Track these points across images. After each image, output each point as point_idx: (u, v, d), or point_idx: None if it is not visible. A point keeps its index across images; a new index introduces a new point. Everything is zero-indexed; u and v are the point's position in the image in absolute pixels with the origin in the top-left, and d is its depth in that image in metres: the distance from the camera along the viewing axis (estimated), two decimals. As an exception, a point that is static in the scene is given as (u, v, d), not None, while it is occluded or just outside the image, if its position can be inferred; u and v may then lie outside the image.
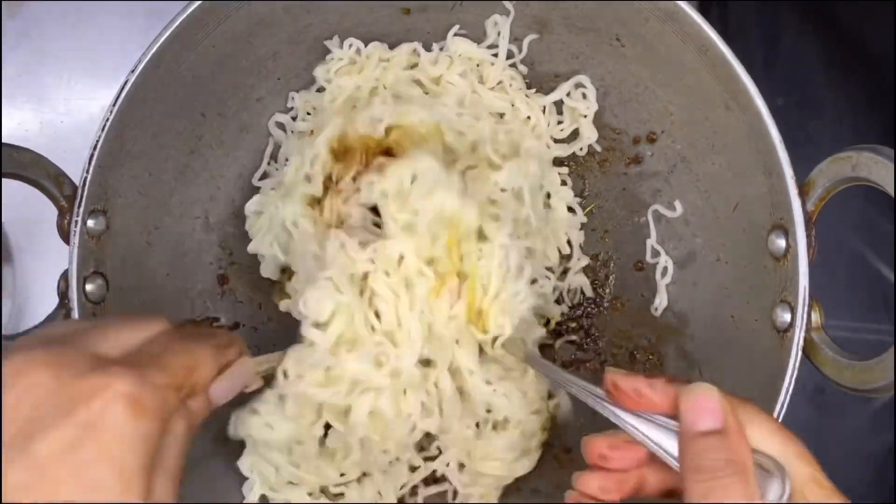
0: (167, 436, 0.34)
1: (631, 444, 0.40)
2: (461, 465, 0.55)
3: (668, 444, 0.37)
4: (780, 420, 0.46)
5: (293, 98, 0.59)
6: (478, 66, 0.59)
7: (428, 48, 0.59)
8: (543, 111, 0.59)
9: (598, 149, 0.60)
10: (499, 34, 0.58)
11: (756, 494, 0.34)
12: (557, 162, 0.60)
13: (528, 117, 0.59)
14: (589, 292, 0.60)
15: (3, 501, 0.30)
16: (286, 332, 0.56)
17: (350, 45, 0.58)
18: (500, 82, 0.59)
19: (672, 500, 0.40)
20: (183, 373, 0.37)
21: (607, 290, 0.60)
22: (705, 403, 0.36)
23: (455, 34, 0.58)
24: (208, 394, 0.39)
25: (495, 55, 0.58)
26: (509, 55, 0.59)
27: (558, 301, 0.59)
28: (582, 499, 0.41)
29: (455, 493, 0.57)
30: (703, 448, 0.35)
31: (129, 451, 0.32)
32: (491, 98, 0.58)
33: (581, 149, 0.60)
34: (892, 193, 0.43)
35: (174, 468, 0.35)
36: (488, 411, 0.52)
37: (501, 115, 0.58)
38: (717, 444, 0.35)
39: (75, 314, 0.48)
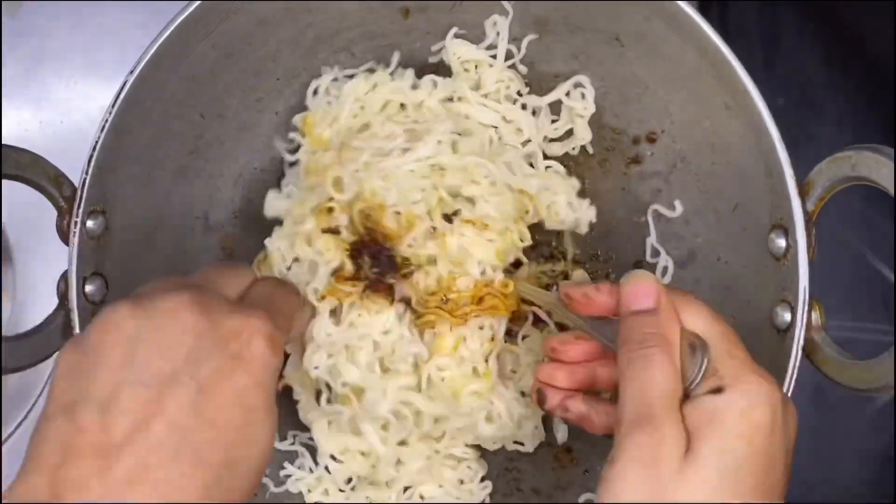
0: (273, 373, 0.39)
1: (578, 341, 0.47)
2: None
3: (609, 333, 0.43)
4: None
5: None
6: (476, 67, 0.59)
7: (427, 48, 0.59)
8: (535, 113, 0.59)
9: (591, 150, 0.60)
10: (497, 34, 0.58)
11: (675, 366, 0.38)
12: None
13: (520, 129, 0.58)
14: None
15: (177, 418, 0.34)
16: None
17: (327, 93, 0.58)
18: (497, 83, 0.59)
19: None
20: (290, 317, 0.45)
21: (607, 290, 0.60)
22: (642, 287, 0.41)
23: (454, 35, 0.58)
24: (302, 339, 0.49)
25: (494, 56, 0.58)
26: (508, 55, 0.59)
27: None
28: (541, 385, 0.48)
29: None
30: (635, 323, 0.40)
31: (270, 380, 0.38)
32: (480, 112, 0.57)
33: (573, 148, 0.59)
34: (893, 193, 0.43)
35: (272, 391, 0.39)
36: None
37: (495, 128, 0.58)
38: (647, 320, 0.40)
39: (75, 315, 0.48)
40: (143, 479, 0.33)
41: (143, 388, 0.35)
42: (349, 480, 0.57)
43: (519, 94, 0.59)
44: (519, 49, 0.58)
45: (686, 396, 0.38)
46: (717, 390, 0.38)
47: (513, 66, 0.59)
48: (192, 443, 0.34)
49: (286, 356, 0.51)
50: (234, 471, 0.36)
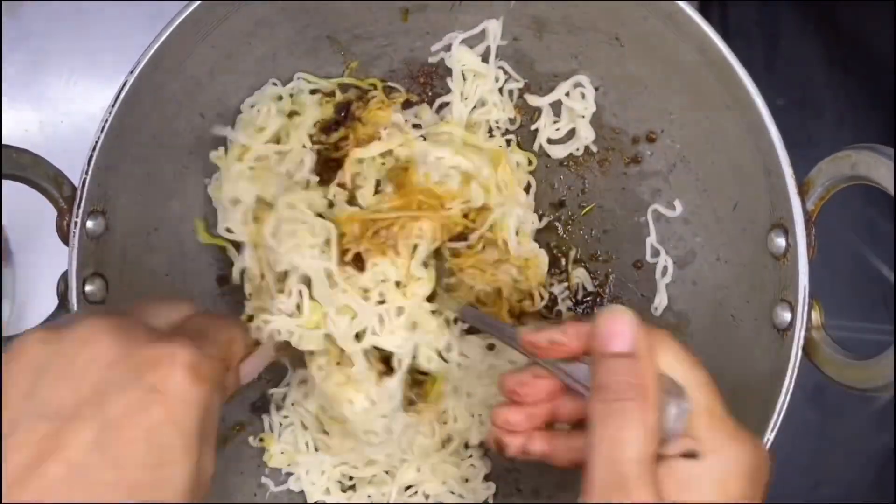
0: (209, 415, 0.36)
1: (539, 379, 0.43)
2: None
3: (579, 374, 0.40)
4: (779, 420, 0.46)
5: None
6: (474, 75, 0.59)
7: (427, 48, 0.59)
8: (536, 115, 0.60)
9: (595, 149, 0.60)
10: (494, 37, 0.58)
11: (653, 420, 0.35)
12: (556, 163, 0.60)
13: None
14: (590, 286, 0.60)
15: (76, 457, 0.32)
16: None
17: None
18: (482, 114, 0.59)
19: (581, 429, 0.41)
20: (225, 347, 0.40)
21: (607, 290, 0.60)
22: (617, 326, 0.37)
23: (458, 38, 0.58)
24: (238, 371, 0.43)
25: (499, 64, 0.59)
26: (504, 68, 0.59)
27: (556, 302, 0.59)
28: (499, 432, 0.44)
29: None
30: (610, 368, 0.37)
31: (191, 416, 0.34)
32: (462, 162, 0.55)
33: (577, 149, 0.60)
34: (892, 192, 0.43)
35: (212, 437, 0.36)
36: None
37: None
38: (624, 367, 0.36)
39: (75, 315, 0.48)
40: None
41: (43, 423, 0.32)
42: (350, 478, 0.57)
43: (510, 121, 0.60)
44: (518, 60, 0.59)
45: (658, 456, 0.36)
46: (692, 454, 0.36)
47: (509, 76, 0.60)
48: (91, 484, 0.31)
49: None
50: None
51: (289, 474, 0.58)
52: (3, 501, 0.31)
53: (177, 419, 0.33)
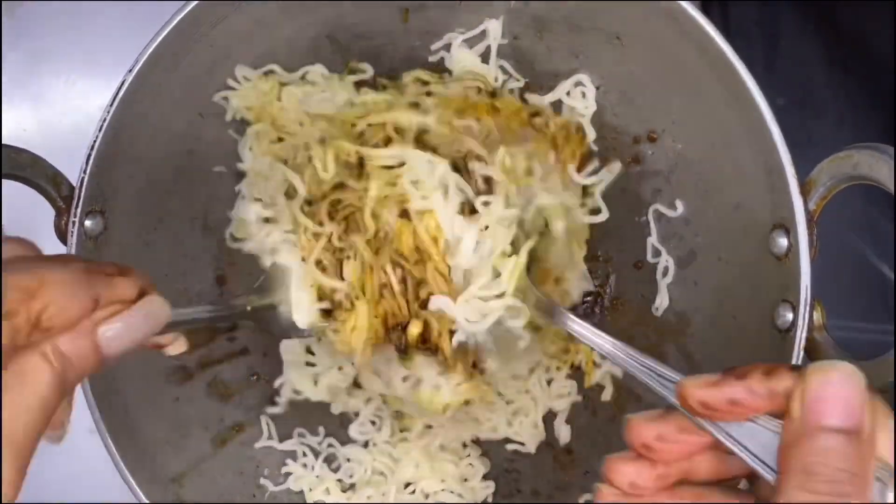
0: (8, 380, 0.26)
1: (686, 434, 0.32)
2: None
3: (752, 441, 0.29)
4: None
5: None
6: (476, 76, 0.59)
7: (427, 48, 0.59)
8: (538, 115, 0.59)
9: (595, 148, 0.60)
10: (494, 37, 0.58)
11: None
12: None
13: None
14: (591, 286, 0.59)
15: None
16: (286, 334, 0.56)
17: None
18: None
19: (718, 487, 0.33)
20: (18, 296, 0.28)
21: (607, 290, 0.60)
22: (840, 391, 0.28)
23: (458, 39, 0.58)
24: (95, 337, 0.30)
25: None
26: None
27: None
28: (612, 498, 0.33)
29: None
30: (823, 448, 0.27)
31: None
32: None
33: (579, 149, 0.60)
34: (894, 192, 0.42)
35: (18, 419, 0.26)
36: None
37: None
38: (844, 449, 0.27)
39: (73, 315, 0.48)
40: None
41: None
42: (351, 475, 0.57)
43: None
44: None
45: None
46: None
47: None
48: None
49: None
50: None
51: (288, 474, 0.58)
52: None
53: None
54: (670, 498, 0.33)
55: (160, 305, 0.34)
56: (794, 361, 0.46)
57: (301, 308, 0.54)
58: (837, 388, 0.28)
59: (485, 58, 0.59)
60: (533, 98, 0.59)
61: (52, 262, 0.30)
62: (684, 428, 0.32)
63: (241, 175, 0.59)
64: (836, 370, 0.28)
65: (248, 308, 0.51)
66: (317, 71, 0.58)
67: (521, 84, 0.60)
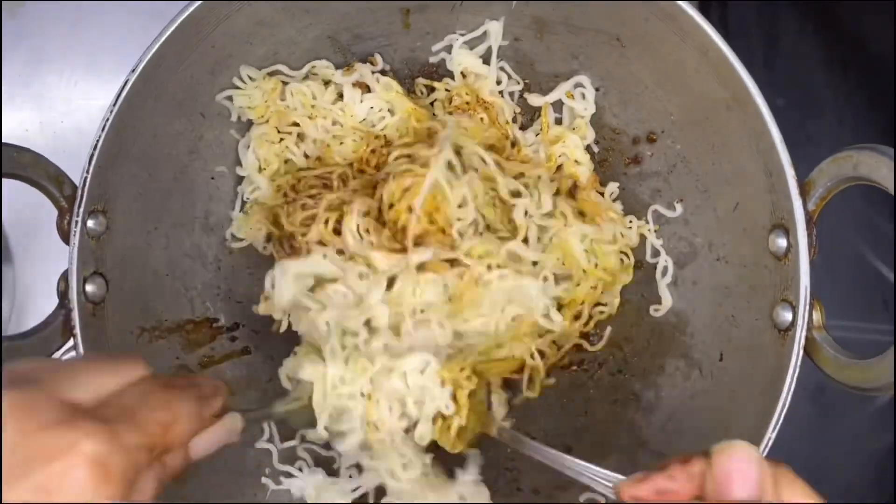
0: (133, 495, 0.31)
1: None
2: None
3: None
4: (780, 420, 0.46)
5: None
6: (475, 76, 0.59)
7: (428, 48, 0.59)
8: (536, 115, 0.60)
9: (595, 149, 0.60)
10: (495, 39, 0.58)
11: None
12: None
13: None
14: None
15: None
16: (286, 334, 0.56)
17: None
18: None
19: None
20: (159, 430, 0.33)
21: (607, 290, 0.60)
22: (741, 466, 0.31)
23: (458, 41, 0.58)
24: (187, 449, 0.36)
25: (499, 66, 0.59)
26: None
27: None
28: None
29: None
30: None
31: None
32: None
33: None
34: (893, 193, 0.43)
35: None
36: None
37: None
38: None
39: (75, 314, 0.48)
40: None
41: None
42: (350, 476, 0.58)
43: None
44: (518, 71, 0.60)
45: None
46: None
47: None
48: None
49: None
50: None
51: (289, 475, 0.58)
52: None
53: None
54: None
55: (237, 421, 0.40)
56: (793, 360, 0.46)
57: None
58: (734, 463, 0.31)
59: (485, 59, 0.59)
60: (533, 99, 0.60)
61: (178, 394, 0.36)
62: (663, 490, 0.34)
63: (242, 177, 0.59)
64: (731, 449, 0.32)
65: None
66: (322, 66, 0.58)
67: (521, 86, 0.60)
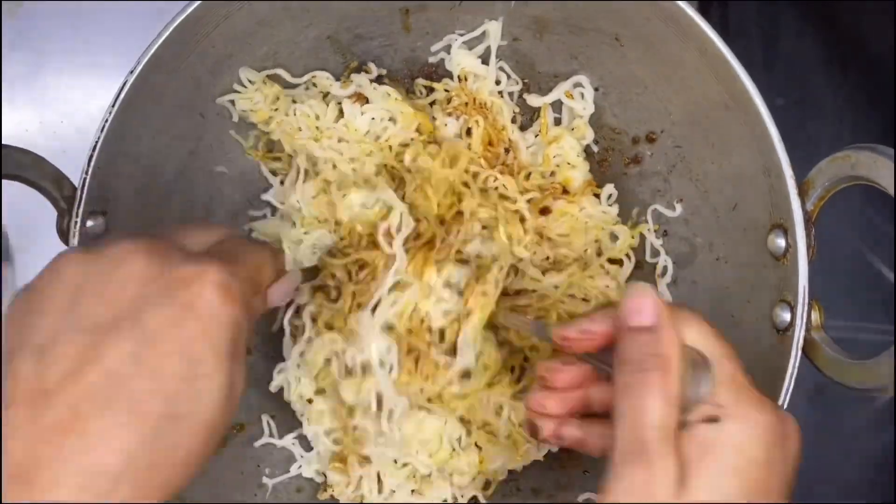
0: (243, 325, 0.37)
1: (567, 366, 0.44)
2: None
3: (609, 359, 0.39)
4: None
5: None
6: (474, 77, 0.59)
7: (428, 48, 0.59)
8: (536, 116, 0.60)
9: (595, 149, 0.60)
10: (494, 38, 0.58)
11: (672, 392, 0.36)
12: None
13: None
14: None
15: (114, 367, 0.33)
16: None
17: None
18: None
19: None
20: (255, 269, 0.41)
21: (607, 290, 0.60)
22: (639, 301, 0.38)
23: (457, 38, 0.58)
24: (266, 294, 0.43)
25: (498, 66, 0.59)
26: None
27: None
28: (531, 415, 0.45)
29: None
30: (632, 342, 0.37)
31: (223, 332, 0.35)
32: None
33: (577, 150, 0.60)
34: (893, 193, 0.43)
35: (242, 355, 0.37)
36: None
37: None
38: (646, 339, 0.37)
39: (75, 315, 0.48)
40: (73, 427, 0.32)
41: (82, 335, 0.33)
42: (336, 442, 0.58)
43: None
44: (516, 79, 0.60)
45: (682, 423, 0.36)
46: (714, 419, 0.36)
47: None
48: (129, 392, 0.33)
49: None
50: (177, 425, 0.34)
51: (288, 474, 0.58)
52: (43, 405, 0.32)
53: (209, 335, 0.35)
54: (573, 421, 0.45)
55: (298, 276, 0.48)
56: (792, 361, 0.46)
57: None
58: (637, 301, 0.38)
59: (485, 59, 0.59)
60: (532, 99, 0.60)
61: (262, 246, 0.45)
62: (567, 361, 0.44)
63: (242, 177, 0.59)
64: (635, 288, 0.38)
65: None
66: (322, 77, 0.58)
67: (519, 87, 0.60)
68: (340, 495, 0.57)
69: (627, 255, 0.59)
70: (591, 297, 0.57)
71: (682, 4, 0.49)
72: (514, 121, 0.60)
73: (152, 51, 0.49)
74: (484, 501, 0.57)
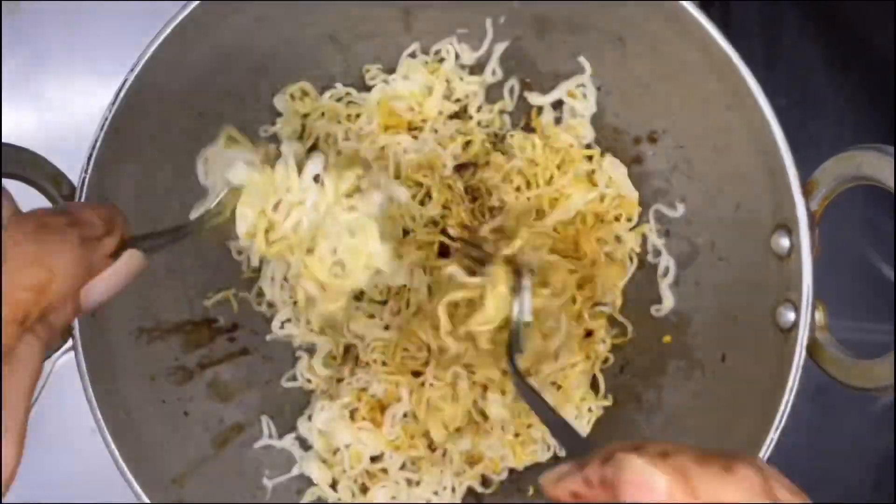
0: (15, 364, 0.28)
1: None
2: None
3: None
4: (783, 421, 0.46)
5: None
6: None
7: (428, 48, 0.59)
8: (540, 111, 0.60)
9: (597, 149, 0.60)
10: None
11: None
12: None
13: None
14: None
15: None
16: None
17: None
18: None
19: None
20: (32, 296, 0.29)
21: (608, 291, 0.60)
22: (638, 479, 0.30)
23: (455, 37, 0.59)
24: (78, 298, 0.32)
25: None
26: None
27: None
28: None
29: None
30: None
31: None
32: None
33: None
34: (896, 192, 0.42)
35: (18, 402, 0.28)
36: None
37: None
38: None
39: (74, 315, 0.48)
40: None
41: None
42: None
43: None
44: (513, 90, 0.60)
45: None
46: None
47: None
48: None
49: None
50: None
51: (288, 475, 0.58)
52: None
53: None
54: None
55: (136, 258, 0.35)
56: (795, 361, 0.46)
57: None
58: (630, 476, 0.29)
59: (484, 59, 0.59)
60: (533, 98, 0.59)
61: (54, 240, 0.31)
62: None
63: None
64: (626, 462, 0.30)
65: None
66: (340, 91, 0.60)
67: (520, 86, 0.60)
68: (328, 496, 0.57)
69: (630, 257, 0.59)
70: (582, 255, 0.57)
71: (684, 3, 0.49)
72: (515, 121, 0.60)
73: (152, 50, 0.49)
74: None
